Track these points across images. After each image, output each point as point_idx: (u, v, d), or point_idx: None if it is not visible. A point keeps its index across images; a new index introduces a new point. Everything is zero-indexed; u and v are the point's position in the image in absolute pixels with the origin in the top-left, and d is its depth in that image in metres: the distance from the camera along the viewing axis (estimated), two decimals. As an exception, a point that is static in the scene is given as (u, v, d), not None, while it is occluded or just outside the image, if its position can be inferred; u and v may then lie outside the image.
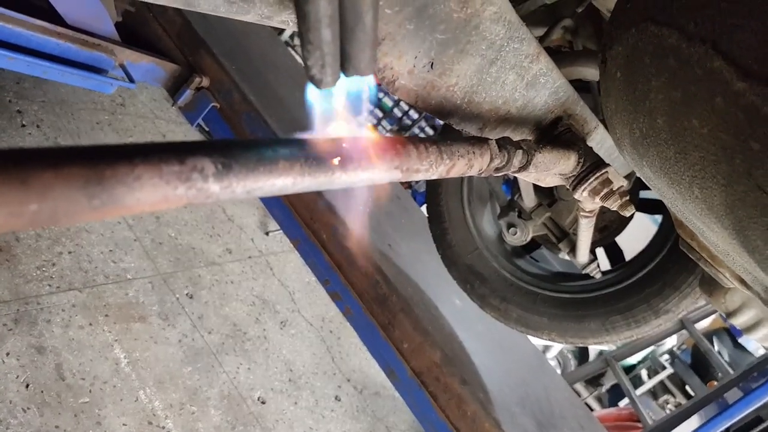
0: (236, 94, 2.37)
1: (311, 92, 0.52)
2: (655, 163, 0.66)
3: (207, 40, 2.42)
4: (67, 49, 1.98)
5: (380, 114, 7.77)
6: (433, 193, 2.22)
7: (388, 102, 7.72)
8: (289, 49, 5.74)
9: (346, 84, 0.51)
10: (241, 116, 2.35)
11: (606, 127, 1.19)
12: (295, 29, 0.74)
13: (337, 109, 0.55)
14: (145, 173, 0.34)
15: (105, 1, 2.14)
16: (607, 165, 0.98)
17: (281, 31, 5.81)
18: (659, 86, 0.59)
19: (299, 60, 5.87)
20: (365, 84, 0.53)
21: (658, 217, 1.92)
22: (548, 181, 1.12)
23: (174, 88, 2.43)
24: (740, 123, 0.49)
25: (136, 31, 2.47)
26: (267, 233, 3.53)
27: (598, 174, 0.97)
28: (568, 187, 1.02)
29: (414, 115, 7.38)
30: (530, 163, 0.79)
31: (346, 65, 0.47)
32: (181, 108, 2.42)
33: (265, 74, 2.91)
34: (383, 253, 2.41)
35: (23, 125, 2.44)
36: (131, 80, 2.21)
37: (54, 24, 1.93)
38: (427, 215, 2.28)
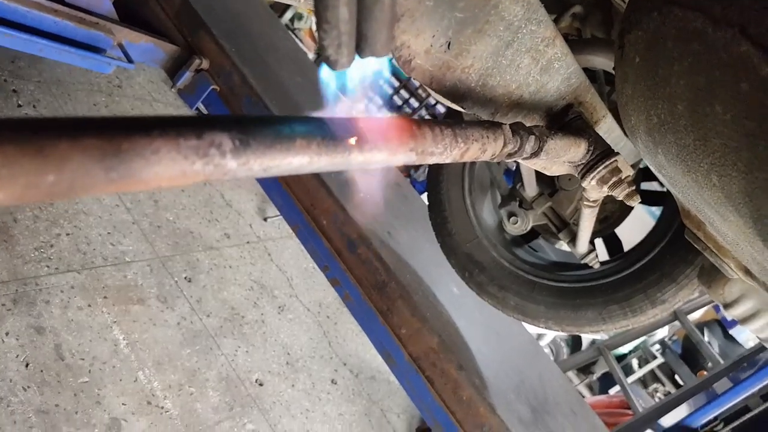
0: (236, 76, 2.34)
1: (325, 73, 0.51)
2: (672, 150, 0.65)
3: (207, 21, 2.39)
4: (65, 27, 1.95)
5: (380, 102, 7.73)
6: (434, 181, 2.21)
7: (387, 89, 7.68)
8: (290, 32, 5.69)
9: (360, 65, 0.50)
10: (242, 99, 2.32)
11: (614, 116, 1.18)
12: (306, 7, 0.72)
13: (350, 90, 0.54)
14: (163, 147, 0.33)
15: (104, -22, 2.10)
16: (617, 153, 0.98)
17: (282, 13, 5.76)
18: (681, 71, 0.58)
19: (300, 43, 5.81)
20: (379, 65, 0.52)
21: (656, 210, 1.92)
22: (554, 169, 1.11)
23: (173, 70, 2.40)
24: (766, 109, 0.49)
25: (135, 10, 2.43)
26: (265, 219, 3.52)
27: (607, 162, 0.96)
28: (576, 175, 1.01)
29: (414, 103, 7.35)
30: (542, 150, 0.78)
31: (362, 46, 0.46)
32: (180, 90, 2.39)
33: (265, 57, 2.88)
34: (383, 240, 2.40)
35: (19, 105, 2.41)
36: (130, 60, 2.18)
37: (51, 1, 1.89)
38: (427, 203, 2.27)
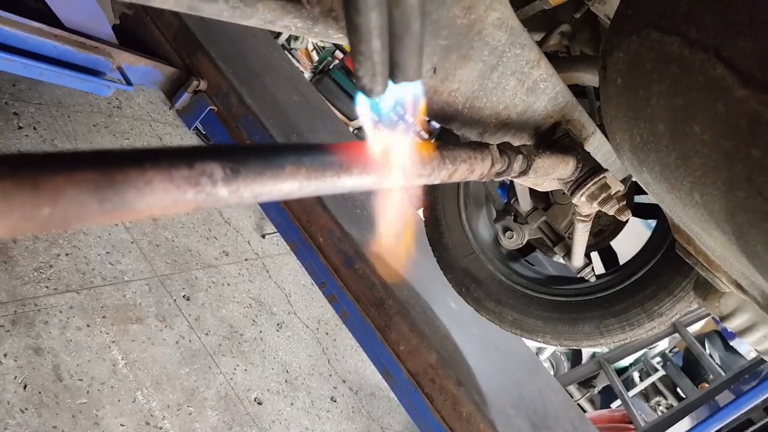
0: (234, 97, 2.37)
1: (361, 101, 0.53)
2: (655, 168, 0.67)
3: (204, 44, 2.42)
4: (65, 52, 1.98)
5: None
6: (429, 196, 2.23)
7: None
8: (286, 52, 5.75)
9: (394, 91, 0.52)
10: (239, 119, 2.35)
11: (603, 132, 1.20)
12: (294, 33, 0.74)
13: (386, 117, 0.56)
14: (156, 177, 0.34)
15: (102, 3, 2.14)
16: (605, 170, 0.99)
17: (278, 34, 5.82)
18: (661, 93, 0.59)
19: (296, 63, 5.87)
20: (414, 89, 0.54)
21: (652, 222, 1.94)
22: (546, 185, 1.13)
23: (171, 91, 2.43)
24: (742, 130, 0.50)
25: (134, 33, 2.47)
26: (263, 236, 3.53)
27: (596, 179, 0.98)
28: (566, 191, 1.03)
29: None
30: (530, 168, 0.80)
31: (395, 72, 0.48)
32: (178, 111, 2.42)
33: (262, 77, 2.91)
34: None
35: (20, 127, 2.43)
36: (128, 83, 2.21)
37: (51, 26, 1.92)
38: (423, 219, 2.29)
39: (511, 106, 0.82)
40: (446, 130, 2.05)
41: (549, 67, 0.83)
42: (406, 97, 0.52)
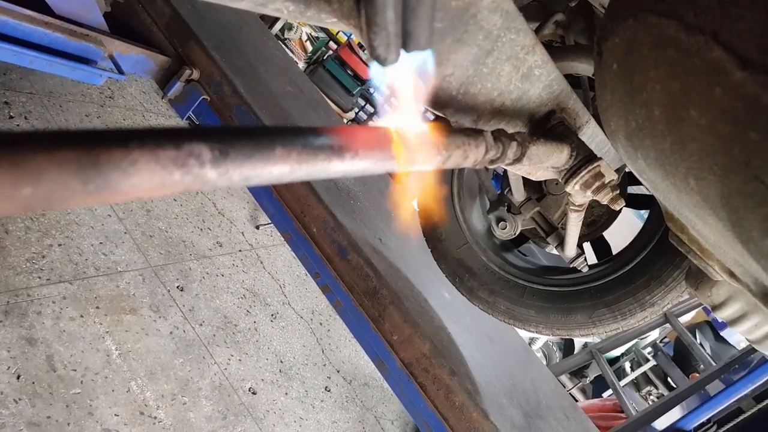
0: (227, 86, 2.35)
1: (375, 70, 0.54)
2: (651, 154, 0.66)
3: (197, 33, 2.40)
4: (55, 39, 1.95)
5: (371, 110, 7.78)
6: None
7: (378, 97, 7.72)
8: (280, 42, 5.71)
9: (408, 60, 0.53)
10: (232, 109, 2.33)
11: (598, 122, 1.19)
12: (286, 18, 0.73)
13: (399, 87, 0.57)
14: (141, 158, 0.33)
15: (93, -10, 2.11)
16: (599, 158, 0.99)
17: (272, 24, 5.78)
18: (657, 77, 0.59)
19: (290, 53, 5.84)
20: (425, 57, 0.55)
21: (644, 213, 1.94)
22: (540, 174, 1.12)
23: (164, 81, 2.40)
24: (739, 113, 0.50)
25: (126, 22, 2.44)
26: (257, 227, 3.52)
27: (590, 167, 0.98)
28: (560, 180, 1.02)
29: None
30: (524, 156, 0.79)
31: (407, 42, 0.50)
32: (170, 100, 2.39)
33: (256, 67, 2.89)
34: (374, 246, 2.41)
35: (11, 117, 2.40)
36: (120, 71, 2.18)
37: (42, 13, 1.90)
38: (417, 209, 2.28)
39: (505, 93, 0.82)
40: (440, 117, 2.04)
41: (544, 54, 0.82)
42: (418, 64, 0.53)
